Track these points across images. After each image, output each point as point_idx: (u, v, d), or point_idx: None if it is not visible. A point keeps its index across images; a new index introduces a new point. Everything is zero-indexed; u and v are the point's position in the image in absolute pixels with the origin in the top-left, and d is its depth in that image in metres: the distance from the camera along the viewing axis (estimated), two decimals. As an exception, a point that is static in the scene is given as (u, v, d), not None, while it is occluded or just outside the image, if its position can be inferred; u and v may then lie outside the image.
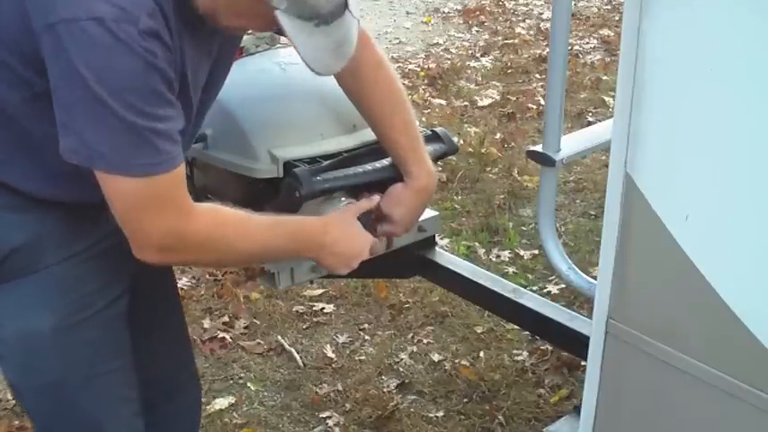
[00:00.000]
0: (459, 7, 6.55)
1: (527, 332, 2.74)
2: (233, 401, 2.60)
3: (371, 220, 1.67)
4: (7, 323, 1.46)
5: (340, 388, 2.64)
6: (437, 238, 2.10)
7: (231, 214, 1.45)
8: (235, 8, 1.32)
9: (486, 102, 4.73)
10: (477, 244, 3.36)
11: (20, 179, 1.40)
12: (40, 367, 1.49)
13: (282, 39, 1.95)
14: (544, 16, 6.21)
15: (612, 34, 5.69)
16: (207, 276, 3.19)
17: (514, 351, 2.76)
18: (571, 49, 5.06)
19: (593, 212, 3.57)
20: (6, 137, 1.37)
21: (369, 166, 1.72)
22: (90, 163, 1.27)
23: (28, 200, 1.40)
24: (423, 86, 5.01)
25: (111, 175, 1.28)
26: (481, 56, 5.50)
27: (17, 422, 2.47)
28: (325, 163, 1.72)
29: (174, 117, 1.30)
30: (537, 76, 5.07)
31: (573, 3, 2.79)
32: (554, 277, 3.04)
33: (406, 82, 5.07)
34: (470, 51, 5.61)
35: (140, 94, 1.24)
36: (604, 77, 4.95)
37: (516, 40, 5.72)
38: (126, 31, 1.20)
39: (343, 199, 1.72)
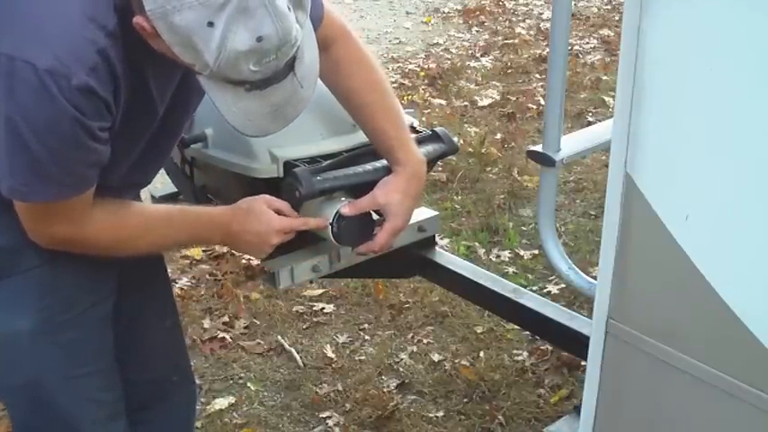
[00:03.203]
0: (459, 7, 6.56)
1: (527, 332, 2.74)
2: (233, 401, 2.60)
3: (373, 229, 1.67)
4: None
5: (340, 388, 2.63)
6: (437, 238, 2.09)
7: (128, 217, 1.46)
8: (179, 60, 1.27)
9: (486, 102, 4.73)
10: (477, 244, 3.36)
11: None
12: (16, 367, 1.50)
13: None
14: (544, 16, 6.21)
15: (612, 34, 5.70)
16: (207, 276, 3.19)
17: (514, 351, 2.76)
18: (571, 49, 5.06)
19: (593, 212, 3.57)
20: None
21: (369, 166, 1.72)
22: None
23: (7, 203, 1.40)
24: (423, 86, 5.01)
25: None
26: (481, 56, 5.51)
27: (17, 422, 2.47)
28: (325, 163, 1.71)
29: (93, 160, 1.31)
30: (537, 76, 5.07)
31: (573, 3, 2.79)
32: (554, 277, 3.04)
33: (406, 82, 5.07)
34: (470, 51, 5.61)
35: (60, 140, 1.24)
36: (604, 77, 4.95)
37: (516, 40, 5.72)
38: (57, 84, 1.19)
39: (343, 199, 1.72)
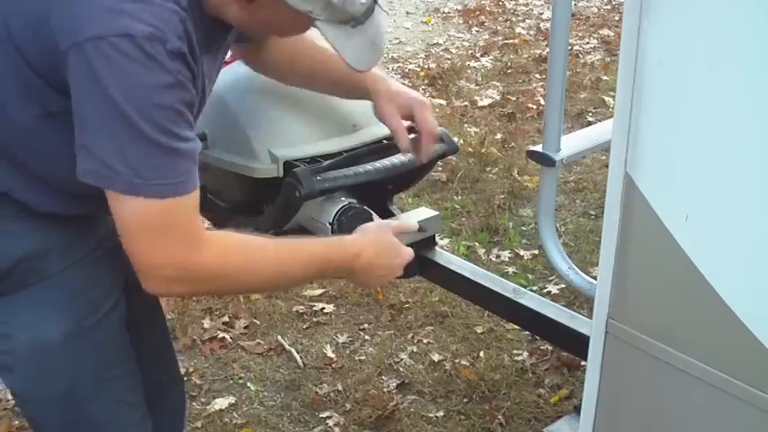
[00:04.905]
0: (460, 7, 6.56)
1: (527, 332, 2.74)
2: (233, 401, 2.60)
3: None
4: (18, 333, 1.44)
5: (340, 388, 2.64)
6: (437, 238, 2.09)
7: (245, 246, 1.41)
8: (274, 24, 1.38)
9: (486, 102, 4.73)
10: (477, 244, 3.36)
11: (22, 193, 1.40)
12: (51, 378, 1.48)
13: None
14: (544, 16, 6.21)
15: (612, 34, 5.70)
16: (207, 276, 3.19)
17: (514, 351, 2.76)
18: (571, 49, 5.06)
19: (593, 212, 3.57)
20: (10, 152, 1.37)
21: (369, 166, 1.72)
22: (108, 183, 1.25)
23: (30, 211, 1.39)
24: (423, 86, 5.01)
25: (125, 196, 1.25)
26: (481, 56, 5.51)
27: (17, 422, 2.47)
28: (326, 163, 1.72)
29: (193, 138, 1.30)
30: (537, 76, 5.07)
31: (573, 3, 2.79)
32: (554, 277, 3.04)
33: (406, 82, 5.07)
34: (470, 51, 5.61)
35: (166, 112, 1.23)
36: (604, 77, 4.95)
37: (516, 40, 5.72)
38: (156, 48, 1.19)
39: (343, 199, 1.72)
